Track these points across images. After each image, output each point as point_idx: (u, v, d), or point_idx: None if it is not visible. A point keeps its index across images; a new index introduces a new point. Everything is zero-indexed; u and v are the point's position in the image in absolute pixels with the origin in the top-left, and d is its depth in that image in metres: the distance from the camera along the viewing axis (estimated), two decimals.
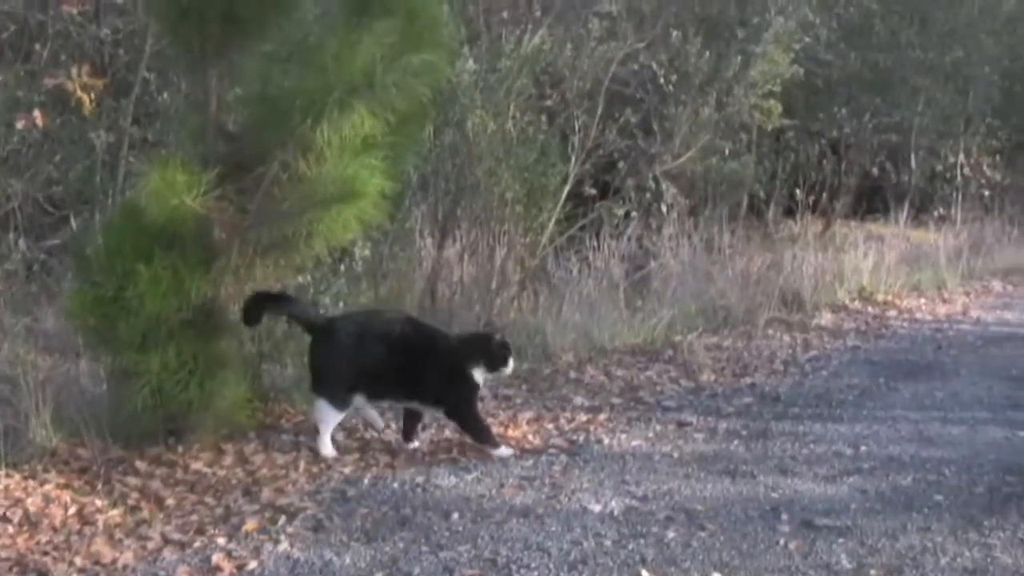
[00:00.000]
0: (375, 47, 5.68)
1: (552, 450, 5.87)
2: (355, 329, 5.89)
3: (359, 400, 5.85)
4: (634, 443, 6.01)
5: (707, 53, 11.54)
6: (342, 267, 7.73)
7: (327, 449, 5.73)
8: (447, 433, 6.06)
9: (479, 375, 5.85)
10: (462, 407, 5.88)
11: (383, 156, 5.79)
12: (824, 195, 14.80)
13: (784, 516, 4.84)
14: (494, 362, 5.88)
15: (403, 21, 5.83)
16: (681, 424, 6.39)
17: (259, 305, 5.89)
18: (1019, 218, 18.42)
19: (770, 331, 9.32)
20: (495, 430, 6.03)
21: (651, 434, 6.18)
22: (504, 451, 5.77)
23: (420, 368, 5.77)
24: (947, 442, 6.14)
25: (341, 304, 7.43)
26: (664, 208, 11.40)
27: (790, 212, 14.31)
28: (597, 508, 4.93)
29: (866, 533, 4.64)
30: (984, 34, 17.98)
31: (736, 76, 11.76)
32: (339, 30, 5.77)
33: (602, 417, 6.52)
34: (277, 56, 5.94)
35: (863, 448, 5.96)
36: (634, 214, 11.15)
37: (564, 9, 11.03)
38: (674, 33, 11.81)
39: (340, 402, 5.77)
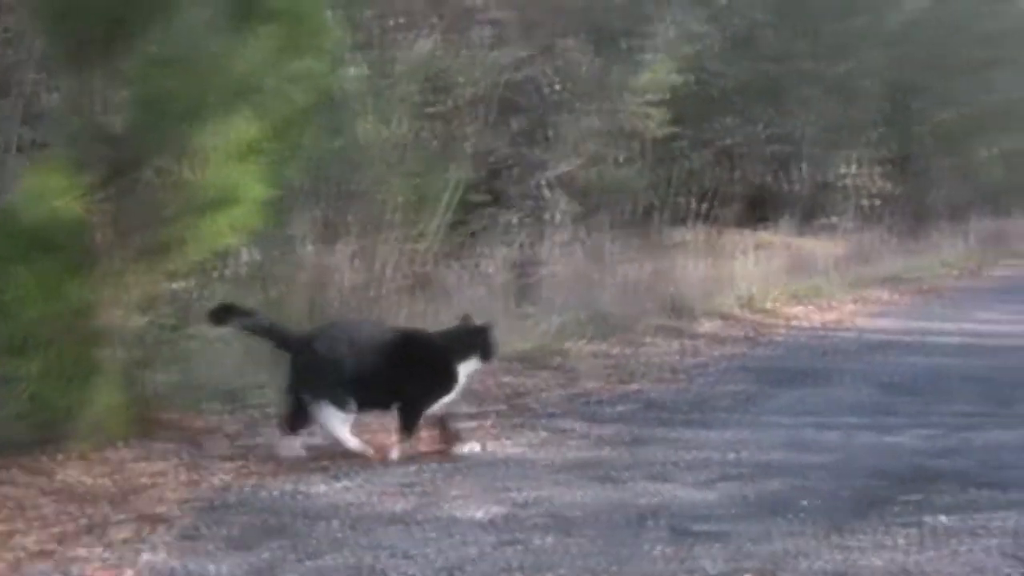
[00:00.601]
0: (258, 53, 5.67)
1: (431, 457, 5.87)
2: (337, 341, 5.89)
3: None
4: (516, 450, 6.04)
5: (594, 61, 11.61)
6: (225, 272, 7.68)
7: (357, 445, 5.79)
8: (319, 439, 6.05)
9: (469, 368, 5.94)
10: (423, 399, 5.90)
11: (264, 162, 5.77)
12: (714, 203, 14.93)
13: (659, 522, 4.86)
14: (489, 351, 6.04)
15: (286, 27, 5.83)
16: (563, 431, 6.44)
17: (228, 311, 5.94)
18: (904, 227, 18.74)
19: (656, 338, 9.43)
20: (377, 437, 6.03)
21: (534, 441, 6.22)
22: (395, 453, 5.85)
23: (407, 372, 5.82)
24: (820, 447, 6.24)
25: None
26: (554, 215, 11.45)
27: (680, 220, 14.42)
28: (473, 515, 4.93)
29: (739, 538, 4.66)
30: (872, 47, 18.25)
31: (623, 84, 11.85)
32: (222, 35, 5.74)
33: (486, 424, 6.54)
34: (160, 59, 5.90)
35: (739, 454, 6.03)
36: (523, 221, 11.18)
37: (455, 16, 11.03)
38: (564, 41, 11.87)
39: (342, 403, 5.73)
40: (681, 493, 5.35)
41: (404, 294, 9.12)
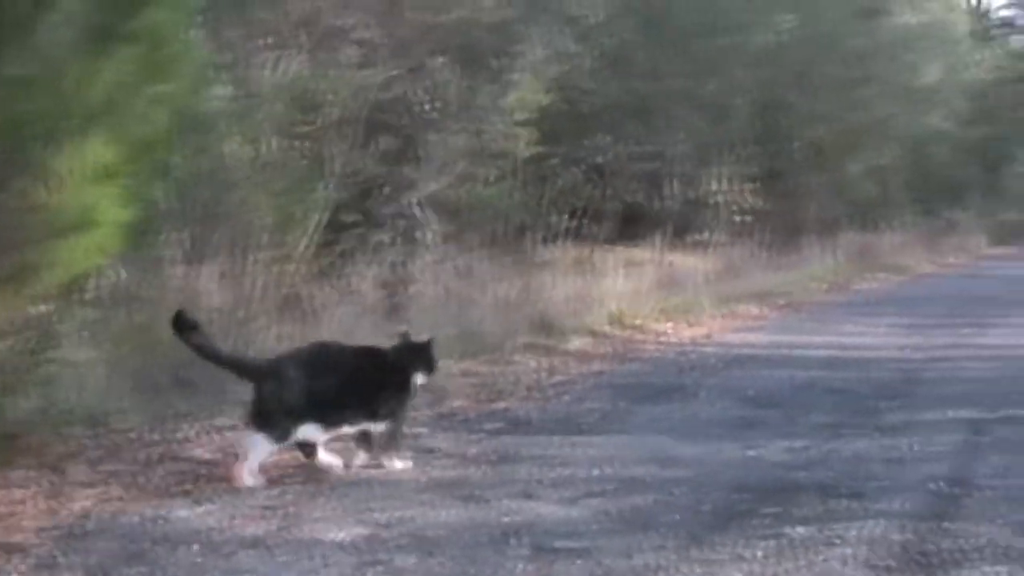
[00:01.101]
0: (117, 74, 5.61)
1: (293, 479, 5.85)
2: (304, 365, 5.94)
3: (316, 433, 5.86)
4: (380, 470, 6.02)
5: (463, 81, 11.64)
6: (87, 295, 7.58)
7: (250, 479, 5.72)
8: (189, 465, 6.00)
9: (418, 381, 6.12)
10: (400, 415, 6.09)
11: (124, 184, 5.71)
12: (586, 221, 15.00)
13: (522, 540, 4.88)
14: (432, 365, 6.23)
15: (146, 48, 5.78)
16: (429, 450, 6.44)
17: (191, 327, 5.94)
18: (775, 242, 18.99)
19: (525, 356, 9.47)
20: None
21: (397, 461, 6.20)
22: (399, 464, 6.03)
23: (373, 388, 5.98)
24: (684, 462, 6.30)
25: (86, 334, 7.30)
26: (425, 234, 11.46)
27: (552, 238, 14.48)
28: (334, 537, 4.91)
29: (601, 553, 4.70)
30: (741, 65, 18.49)
31: (491, 104, 11.89)
32: (80, 56, 5.68)
33: (351, 444, 6.51)
34: (16, 80, 5.81)
35: (603, 470, 6.07)
36: (394, 240, 11.18)
37: (323, 35, 11.00)
38: (435, 60, 11.89)
39: (279, 437, 5.77)
40: (545, 510, 5.37)
41: (274, 315, 9.07)
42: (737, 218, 19.43)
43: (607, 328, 11.03)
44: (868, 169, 27.37)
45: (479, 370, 8.84)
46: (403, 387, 6.12)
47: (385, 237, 11.20)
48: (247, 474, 5.75)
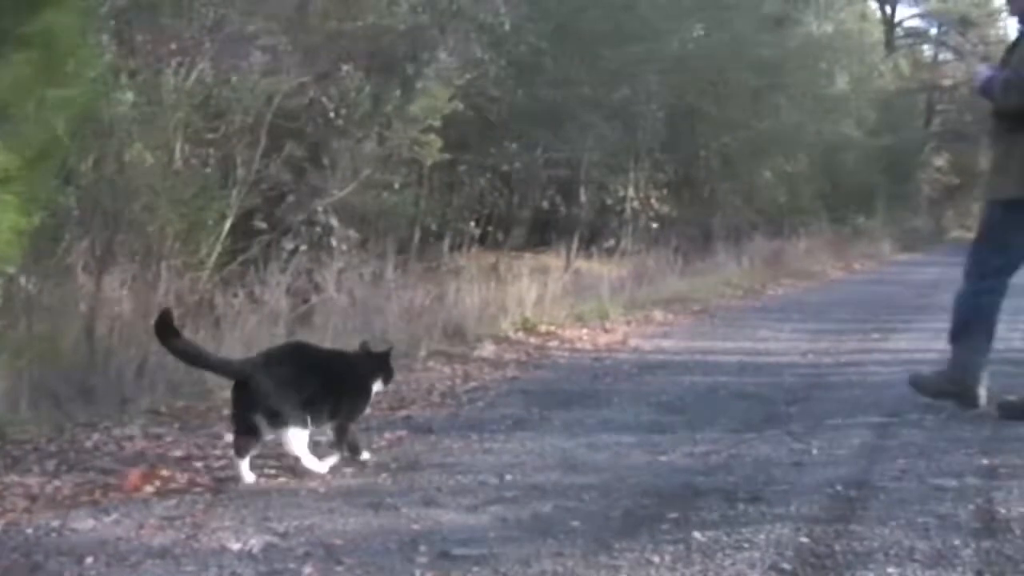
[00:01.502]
0: (12, 78, 5.53)
1: (198, 489, 5.78)
2: (287, 363, 6.02)
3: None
4: (281, 479, 5.96)
5: (366, 88, 11.61)
6: None
7: (319, 466, 5.98)
8: (91, 475, 5.92)
9: (376, 389, 6.36)
10: (355, 416, 6.29)
11: (21, 191, 5.63)
12: (496, 227, 15.03)
13: (423, 547, 4.84)
14: (390, 375, 6.50)
15: (41, 53, 5.69)
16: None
17: (173, 333, 5.92)
18: (688, 249, 19.11)
19: (432, 363, 9.43)
20: (141, 468, 5.93)
21: (302, 469, 6.14)
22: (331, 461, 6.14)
23: (342, 389, 6.14)
24: (591, 468, 6.28)
25: None
26: (332, 241, 11.41)
27: (463, 245, 14.49)
28: (236, 547, 4.85)
29: (501, 560, 4.67)
30: (651, 73, 18.60)
31: (396, 111, 11.87)
32: None
33: (252, 453, 6.45)
34: None
35: (508, 477, 6.04)
36: (303, 247, 11.13)
37: (229, 42, 10.92)
38: (342, 67, 11.86)
39: (301, 421, 5.87)
40: (450, 518, 5.34)
41: (181, 322, 8.96)
42: (650, 224, 19.56)
43: (519, 335, 11.01)
44: (778, 176, 27.70)
45: None
46: (364, 392, 6.30)
47: (294, 244, 11.14)
48: (314, 464, 5.99)
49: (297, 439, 5.90)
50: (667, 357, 10.35)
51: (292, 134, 11.53)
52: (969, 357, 7.67)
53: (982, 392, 7.65)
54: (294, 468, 6.03)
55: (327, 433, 6.24)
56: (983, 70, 8.11)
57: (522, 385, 8.82)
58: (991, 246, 7.74)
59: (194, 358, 6.14)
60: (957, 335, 7.80)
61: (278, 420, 5.84)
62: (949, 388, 7.75)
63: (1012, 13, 8.16)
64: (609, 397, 8.38)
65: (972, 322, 7.74)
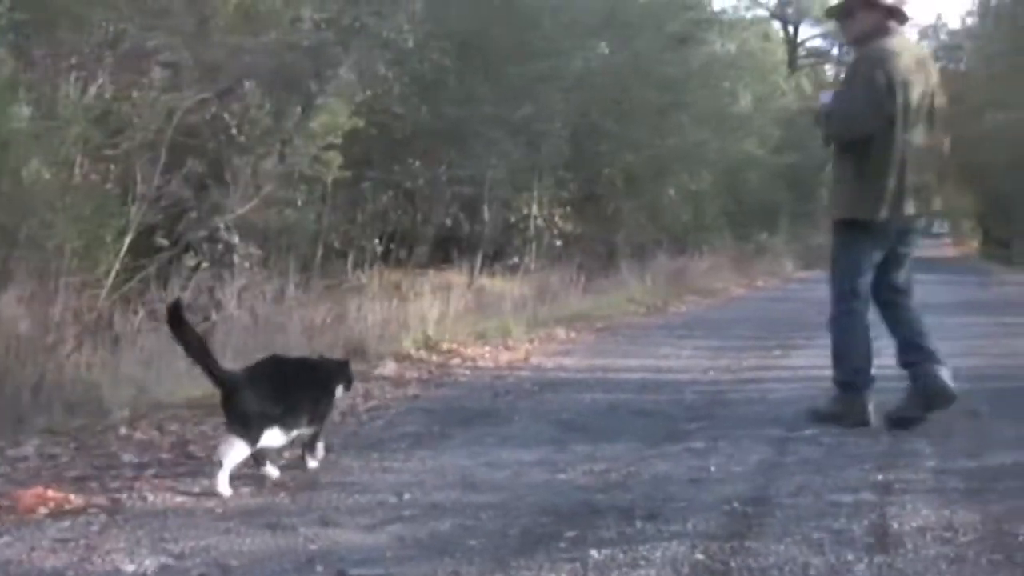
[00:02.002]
0: None
1: (93, 510, 5.70)
2: (269, 375, 6.29)
3: (278, 437, 6.20)
4: (178, 499, 5.90)
5: (268, 104, 11.56)
6: None
7: (225, 487, 5.96)
8: None
9: (339, 393, 6.74)
10: (325, 421, 6.69)
11: None
12: (400, 245, 15.02)
13: (320, 567, 4.82)
14: (351, 381, 6.91)
15: None
16: (231, 478, 6.31)
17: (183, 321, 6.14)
18: (592, 266, 19.18)
19: None
20: (35, 489, 5.85)
21: (197, 489, 6.08)
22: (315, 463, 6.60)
23: (314, 395, 6.48)
24: (490, 487, 6.28)
25: None
26: (234, 258, 11.34)
27: (366, 262, 14.46)
28: (130, 568, 4.79)
29: None
30: (555, 91, 18.67)
31: (297, 127, 11.83)
32: None
33: (149, 474, 6.39)
34: None
35: (407, 496, 6.03)
36: (204, 264, 11.05)
37: (130, 57, 10.82)
38: (243, 84, 11.79)
39: (252, 441, 6.01)
40: (347, 537, 5.31)
41: (79, 340, 8.87)
42: (554, 242, 19.63)
43: (421, 353, 10.98)
44: (682, 194, 27.90)
45: None
46: (331, 397, 6.64)
47: (195, 261, 11.05)
48: (222, 482, 5.97)
49: (234, 446, 6.01)
50: (569, 375, 10.37)
51: (193, 150, 11.43)
52: (851, 378, 7.93)
53: (870, 409, 7.86)
54: (188, 490, 5.99)
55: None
56: (824, 97, 8.32)
57: (423, 403, 8.81)
58: (837, 268, 8.07)
59: (197, 353, 6.20)
60: (837, 359, 8.02)
61: (253, 431, 6.03)
62: (839, 411, 7.96)
63: (847, 42, 8.40)
64: (510, 415, 8.38)
65: (842, 345, 8.01)
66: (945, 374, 7.77)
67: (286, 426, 6.19)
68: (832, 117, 7.81)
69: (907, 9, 7.94)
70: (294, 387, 6.33)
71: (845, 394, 7.96)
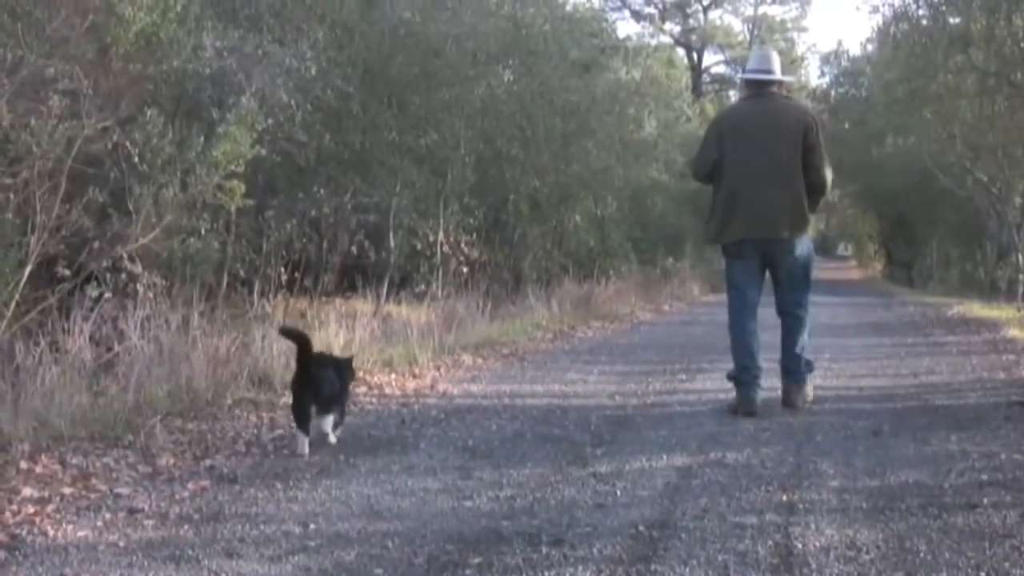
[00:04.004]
0: None
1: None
2: (326, 367, 8.20)
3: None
4: (80, 533, 5.84)
5: (170, 133, 11.47)
6: None
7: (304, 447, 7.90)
8: None
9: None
10: (346, 404, 8.65)
11: None
12: (305, 273, 14.94)
13: None
14: (353, 376, 8.94)
15: None
16: (132, 511, 6.26)
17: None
18: (499, 293, 19.20)
19: (238, 411, 9.33)
20: None
21: (100, 523, 6.02)
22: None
23: (343, 383, 8.35)
24: (396, 515, 6.28)
25: None
26: (137, 288, 11.21)
27: (270, 291, 14.37)
28: None
29: None
30: (458, 119, 18.71)
31: (199, 156, 11.75)
32: None
33: (50, 508, 6.30)
34: None
35: (312, 526, 6.01)
36: (107, 295, 10.92)
37: (27, 84, 10.69)
38: (145, 112, 11.69)
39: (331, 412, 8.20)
40: (252, 568, 5.30)
41: None
42: (460, 269, 19.63)
43: None
44: (588, 220, 28.02)
45: (189, 427, 8.64)
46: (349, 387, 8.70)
47: (98, 291, 10.92)
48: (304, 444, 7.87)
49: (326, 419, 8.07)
50: (475, 401, 10.37)
51: (94, 179, 11.30)
52: (736, 373, 9.72)
53: (757, 400, 9.59)
54: (90, 523, 5.92)
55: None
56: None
57: None
58: (727, 286, 10.03)
59: (301, 346, 8.12)
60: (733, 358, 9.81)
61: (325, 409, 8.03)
62: (734, 402, 9.67)
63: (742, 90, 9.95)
64: (416, 442, 8.37)
65: (731, 345, 9.84)
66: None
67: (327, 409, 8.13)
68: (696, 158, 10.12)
69: (749, 78, 9.81)
70: (339, 378, 8.21)
71: (736, 388, 9.65)
